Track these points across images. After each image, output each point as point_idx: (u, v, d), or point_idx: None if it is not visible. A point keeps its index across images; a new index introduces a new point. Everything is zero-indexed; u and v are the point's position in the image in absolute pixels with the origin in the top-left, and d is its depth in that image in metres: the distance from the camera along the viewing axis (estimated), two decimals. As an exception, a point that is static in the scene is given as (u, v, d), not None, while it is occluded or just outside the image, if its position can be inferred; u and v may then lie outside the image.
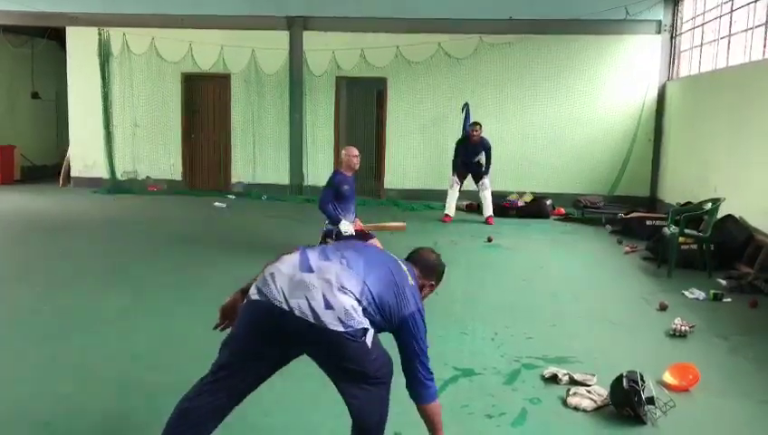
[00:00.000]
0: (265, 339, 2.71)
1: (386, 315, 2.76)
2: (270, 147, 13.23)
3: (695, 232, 7.50)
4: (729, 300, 6.35)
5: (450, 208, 10.67)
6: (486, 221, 10.50)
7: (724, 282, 6.91)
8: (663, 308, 5.93)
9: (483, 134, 10.61)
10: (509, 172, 12.28)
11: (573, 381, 4.20)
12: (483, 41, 12.44)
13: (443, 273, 3.20)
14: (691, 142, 10.54)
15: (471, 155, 10.64)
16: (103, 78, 13.20)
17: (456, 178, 10.69)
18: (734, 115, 8.65)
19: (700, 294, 6.43)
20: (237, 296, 2.96)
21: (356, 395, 2.75)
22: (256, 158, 13.28)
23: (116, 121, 13.38)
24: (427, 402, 2.92)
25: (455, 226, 10.30)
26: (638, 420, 3.69)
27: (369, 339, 2.69)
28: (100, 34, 13.12)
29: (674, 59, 12.11)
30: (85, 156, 13.53)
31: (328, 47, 12.70)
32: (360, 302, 2.69)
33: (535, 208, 11.33)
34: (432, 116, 12.73)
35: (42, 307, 5.67)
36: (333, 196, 7.68)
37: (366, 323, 2.69)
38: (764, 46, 8.21)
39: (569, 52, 12.35)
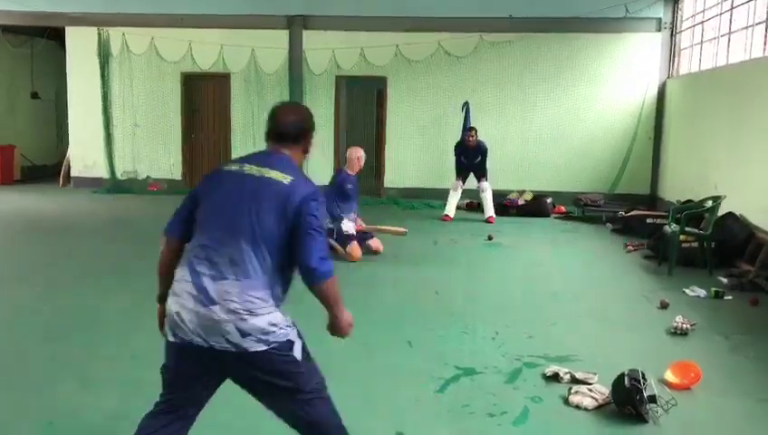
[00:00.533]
0: (195, 376, 2.62)
1: (287, 236, 2.55)
2: (270, 146, 13.18)
3: (695, 230, 7.50)
4: (730, 298, 6.34)
5: (450, 209, 10.66)
6: (487, 220, 10.50)
7: (725, 280, 6.90)
8: (664, 306, 5.93)
9: (480, 137, 10.67)
10: (509, 171, 12.27)
11: (575, 380, 4.19)
12: (483, 39, 12.43)
13: (307, 121, 2.80)
14: (691, 140, 10.54)
15: (470, 159, 10.64)
16: (103, 78, 13.19)
17: (459, 183, 10.67)
18: (735, 113, 8.64)
19: (701, 292, 6.43)
20: (159, 308, 2.75)
21: (298, 415, 2.65)
22: (257, 157, 13.24)
23: (116, 121, 13.37)
24: (328, 278, 2.64)
25: (455, 225, 10.29)
26: (640, 418, 3.69)
27: (297, 352, 2.59)
28: (99, 34, 13.11)
29: (674, 57, 12.10)
30: (85, 156, 13.52)
31: (327, 46, 12.69)
32: (273, 293, 2.56)
33: (536, 207, 11.32)
34: (432, 115, 12.72)
35: (42, 307, 5.66)
36: (336, 194, 7.72)
37: (291, 334, 2.59)
38: (765, 44, 8.20)
39: (569, 50, 12.33)
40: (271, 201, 2.54)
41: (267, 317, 2.52)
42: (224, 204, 2.58)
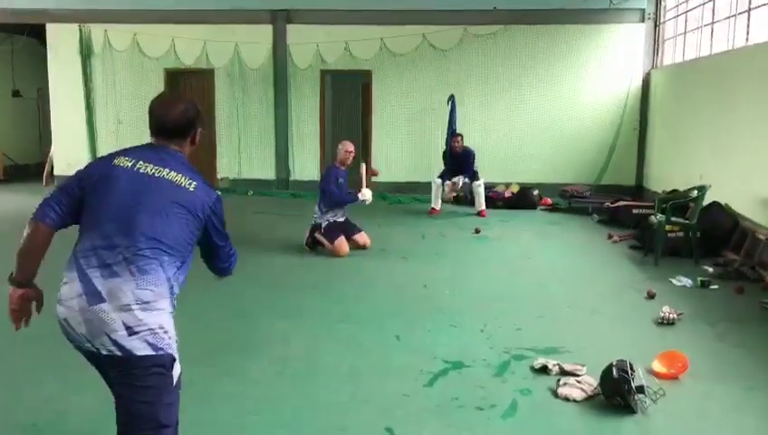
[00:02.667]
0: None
1: (191, 240, 2.54)
2: (255, 142, 13.15)
3: (681, 220, 7.53)
4: (716, 287, 6.37)
5: (436, 202, 10.67)
6: (479, 214, 10.50)
7: (710, 269, 6.94)
8: (651, 296, 5.95)
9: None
10: (495, 163, 12.26)
11: (563, 372, 4.19)
12: (467, 32, 12.41)
13: (194, 112, 2.65)
14: (676, 130, 10.58)
15: (458, 165, 10.63)
16: (85, 75, 13.07)
17: (447, 183, 10.65)
18: (718, 102, 8.68)
19: (687, 282, 6.46)
20: (21, 292, 2.58)
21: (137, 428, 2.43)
22: (241, 153, 13.20)
23: (99, 119, 13.25)
24: (233, 267, 2.81)
25: (442, 218, 10.29)
26: (628, 408, 3.70)
27: (175, 373, 2.46)
28: (81, 31, 12.98)
29: (658, 47, 12.14)
30: (68, 154, 13.36)
31: (312, 40, 12.63)
32: (170, 291, 2.46)
33: (522, 199, 11.34)
34: (418, 108, 12.70)
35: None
36: (330, 188, 7.74)
37: (175, 350, 2.45)
38: (747, 33, 8.24)
39: (553, 41, 12.34)
40: (175, 206, 2.46)
41: (160, 318, 2.39)
42: (120, 204, 2.43)
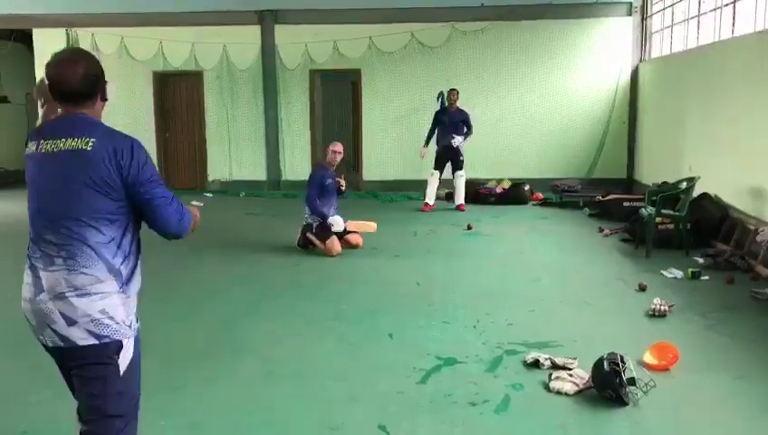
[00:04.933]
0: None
1: (121, 203, 2.32)
2: (245, 143, 13.13)
3: (671, 212, 7.56)
4: (706, 278, 6.41)
5: (430, 197, 10.68)
6: (458, 208, 10.52)
7: (701, 260, 6.97)
8: (642, 289, 5.97)
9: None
10: (486, 159, 12.29)
11: (555, 366, 4.21)
12: (455, 29, 12.42)
13: (94, 66, 2.38)
14: (665, 123, 10.62)
15: (451, 125, 10.54)
16: (73, 79, 12.99)
17: (437, 173, 10.66)
18: (706, 94, 8.72)
19: (678, 274, 6.49)
20: None
21: (92, 419, 2.38)
22: (232, 154, 13.18)
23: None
24: (187, 230, 2.49)
25: (434, 215, 10.30)
26: (620, 401, 3.71)
27: (123, 362, 2.34)
28: (68, 35, 12.92)
29: (645, 40, 12.18)
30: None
31: (300, 40, 12.61)
32: (111, 269, 2.31)
33: (514, 195, 11.37)
34: (408, 106, 12.70)
35: (13, 314, 5.55)
36: (318, 192, 7.72)
37: (125, 334, 2.33)
38: (733, 25, 8.28)
39: (541, 37, 12.37)
40: (80, 174, 2.25)
41: (101, 303, 2.28)
42: (38, 191, 2.34)
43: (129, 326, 2.38)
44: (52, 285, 2.29)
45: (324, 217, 7.64)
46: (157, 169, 2.43)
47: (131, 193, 2.31)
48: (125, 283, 2.37)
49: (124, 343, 2.35)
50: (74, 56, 2.41)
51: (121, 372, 2.35)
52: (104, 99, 2.45)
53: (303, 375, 4.25)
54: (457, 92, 10.70)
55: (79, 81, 2.32)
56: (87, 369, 2.32)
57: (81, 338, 2.28)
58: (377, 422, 3.58)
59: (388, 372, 4.27)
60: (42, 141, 2.35)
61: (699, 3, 9.54)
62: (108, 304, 2.30)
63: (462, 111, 10.66)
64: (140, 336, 2.48)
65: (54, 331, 2.29)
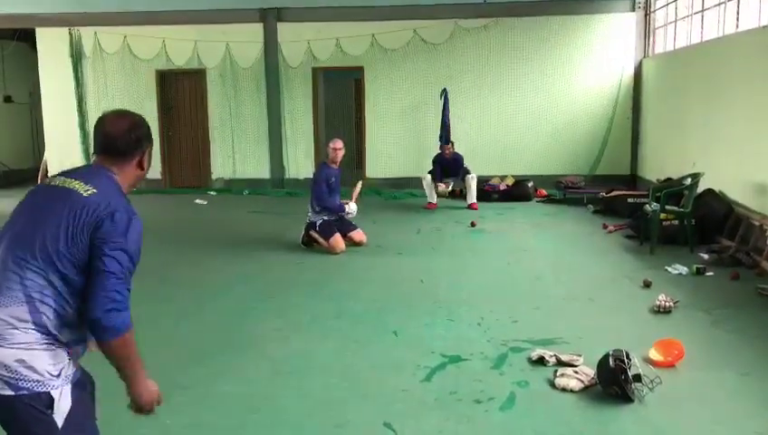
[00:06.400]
0: None
1: (80, 259, 2.07)
2: (249, 141, 13.13)
3: (676, 208, 7.55)
4: (711, 274, 6.40)
5: (432, 196, 10.68)
6: (469, 206, 10.52)
7: (705, 256, 6.96)
8: (647, 285, 5.96)
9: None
10: (490, 156, 12.28)
11: (560, 363, 4.21)
12: (458, 25, 12.39)
13: (139, 128, 2.29)
14: (669, 119, 10.59)
15: (448, 169, 10.78)
16: (77, 78, 13.02)
17: (440, 184, 10.73)
18: (710, 89, 8.69)
19: (683, 270, 6.48)
20: None
21: None
22: (236, 152, 13.18)
23: (91, 122, 13.16)
24: (118, 335, 2.05)
25: (438, 212, 10.29)
26: (626, 397, 3.71)
27: (58, 414, 2.03)
28: (71, 34, 12.93)
29: (649, 36, 12.14)
30: (62, 158, 13.28)
31: (303, 38, 12.60)
32: (44, 316, 2.03)
33: (517, 191, 11.36)
34: (411, 103, 12.68)
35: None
36: (321, 188, 7.74)
37: (55, 387, 2.03)
38: (737, 20, 8.25)
39: (544, 33, 12.33)
40: (62, 211, 2.08)
41: (17, 352, 1.99)
42: (11, 220, 2.18)
43: (58, 374, 2.06)
44: None
45: (341, 210, 7.81)
46: (137, 257, 2.15)
47: (92, 247, 2.06)
48: (64, 341, 2.09)
49: (54, 393, 2.04)
50: (127, 112, 2.34)
51: (59, 426, 2.04)
52: (142, 166, 2.31)
53: (308, 373, 4.25)
54: (453, 144, 10.99)
55: (118, 134, 2.23)
56: (19, 425, 2.04)
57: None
58: (382, 420, 3.58)
59: (394, 369, 4.27)
60: (61, 178, 2.21)
61: (703, -2, 9.51)
62: (26, 354, 2.01)
63: (456, 157, 10.85)
64: (85, 378, 2.21)
65: None
